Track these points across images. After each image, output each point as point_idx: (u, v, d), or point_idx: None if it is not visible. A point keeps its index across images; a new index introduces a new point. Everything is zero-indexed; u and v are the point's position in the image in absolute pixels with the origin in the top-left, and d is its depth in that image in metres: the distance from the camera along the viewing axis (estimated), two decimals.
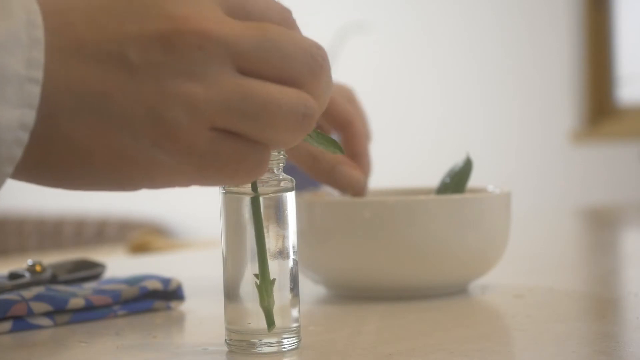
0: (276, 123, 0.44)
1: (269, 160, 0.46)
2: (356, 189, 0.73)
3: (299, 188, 0.56)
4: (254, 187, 0.52)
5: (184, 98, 0.43)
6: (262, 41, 0.44)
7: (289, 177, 0.53)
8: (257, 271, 0.52)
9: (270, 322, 0.52)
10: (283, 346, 0.53)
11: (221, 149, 0.44)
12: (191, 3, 0.44)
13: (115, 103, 0.43)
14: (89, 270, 0.72)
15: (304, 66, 0.45)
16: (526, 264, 0.91)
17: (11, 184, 0.49)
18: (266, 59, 0.44)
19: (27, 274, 0.67)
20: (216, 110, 0.43)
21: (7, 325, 0.61)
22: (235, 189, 0.52)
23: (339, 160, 0.72)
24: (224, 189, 0.53)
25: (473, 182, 0.76)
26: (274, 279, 0.52)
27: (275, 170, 0.53)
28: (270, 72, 0.44)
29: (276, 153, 0.52)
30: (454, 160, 0.76)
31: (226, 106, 0.43)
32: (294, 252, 0.53)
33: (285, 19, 0.46)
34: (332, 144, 0.53)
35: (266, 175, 0.52)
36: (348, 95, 0.80)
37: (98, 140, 0.43)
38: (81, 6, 0.43)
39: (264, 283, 0.52)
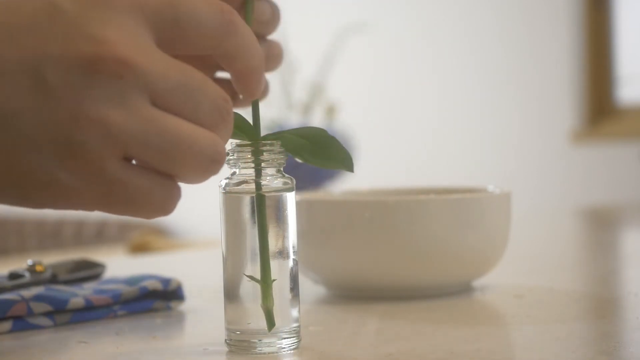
0: (185, 161, 0.44)
1: (178, 197, 0.46)
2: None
3: (299, 188, 0.56)
4: (259, 186, 0.52)
5: (99, 123, 0.42)
6: (180, 85, 0.44)
7: (289, 177, 0.53)
8: (256, 271, 0.52)
9: (271, 323, 0.52)
10: (283, 346, 0.53)
11: (130, 179, 0.44)
12: (118, 26, 0.43)
13: (26, 122, 0.42)
14: (89, 270, 0.72)
15: (210, 117, 0.45)
16: (526, 264, 0.91)
17: None
18: (181, 102, 0.44)
19: (27, 274, 0.67)
20: (130, 139, 0.43)
21: (7, 325, 0.61)
22: (236, 188, 0.52)
23: None
24: (225, 189, 0.53)
25: (473, 182, 0.76)
26: (274, 279, 0.52)
27: (275, 170, 0.53)
28: (181, 114, 0.44)
29: (277, 153, 0.52)
30: (454, 160, 0.76)
31: (140, 137, 0.43)
32: (294, 252, 0.53)
33: (226, 23, 0.46)
34: (342, 161, 0.53)
35: (267, 175, 0.52)
36: None
37: (1, 157, 0.43)
38: (1, 22, 0.43)
39: (266, 283, 0.52)
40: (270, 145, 0.52)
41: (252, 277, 0.52)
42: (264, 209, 0.52)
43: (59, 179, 0.43)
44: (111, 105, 0.42)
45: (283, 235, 0.53)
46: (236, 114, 0.53)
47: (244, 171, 0.53)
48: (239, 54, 0.46)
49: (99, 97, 0.42)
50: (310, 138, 0.53)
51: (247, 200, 0.52)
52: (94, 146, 0.42)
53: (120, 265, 0.92)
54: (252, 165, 0.52)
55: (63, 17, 0.43)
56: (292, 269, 0.53)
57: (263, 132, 0.53)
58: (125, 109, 0.43)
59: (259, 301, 0.52)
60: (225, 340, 0.54)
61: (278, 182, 0.53)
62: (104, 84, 0.42)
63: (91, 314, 0.64)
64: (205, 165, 0.45)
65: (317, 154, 0.53)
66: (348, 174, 2.40)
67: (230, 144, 0.53)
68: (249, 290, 0.52)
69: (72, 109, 0.42)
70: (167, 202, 0.45)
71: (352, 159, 0.53)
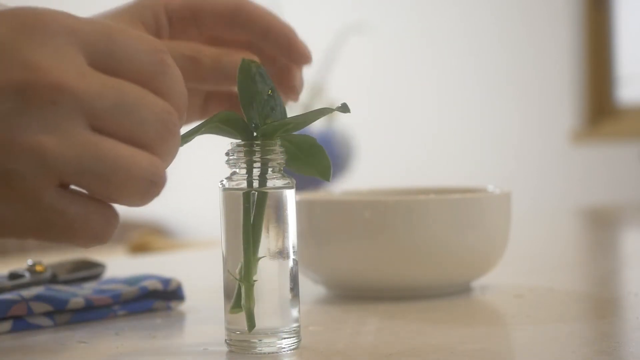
0: (124, 187, 0.43)
1: (116, 224, 0.45)
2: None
3: (299, 188, 0.56)
4: (250, 183, 0.52)
5: (34, 151, 0.41)
6: (117, 103, 0.43)
7: (289, 176, 0.53)
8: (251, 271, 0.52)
9: (252, 324, 0.52)
10: (283, 346, 0.53)
11: (67, 208, 0.43)
12: (51, 51, 0.42)
13: None
14: (89, 270, 0.72)
15: (155, 132, 0.44)
16: (526, 264, 0.91)
17: None
18: (119, 120, 0.43)
19: (27, 274, 0.67)
20: (66, 167, 0.42)
21: (7, 325, 0.61)
22: (236, 187, 0.52)
23: (221, 51, 0.65)
24: (225, 188, 0.53)
25: (473, 182, 0.76)
26: (256, 280, 0.52)
27: (275, 170, 0.53)
28: (123, 133, 0.43)
29: (277, 153, 0.52)
30: (454, 160, 0.76)
31: (76, 164, 0.42)
32: (294, 252, 0.53)
33: (159, 62, 0.45)
34: (321, 170, 0.54)
35: (267, 174, 0.52)
36: None
37: None
38: None
39: (248, 283, 0.52)
40: (271, 145, 0.52)
41: (234, 276, 0.52)
42: (250, 207, 0.52)
43: None
44: (45, 132, 0.41)
45: (283, 235, 0.53)
46: (232, 113, 0.53)
47: (244, 171, 0.53)
48: (166, 94, 0.45)
49: (32, 125, 0.41)
50: (297, 144, 0.54)
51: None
52: (29, 175, 0.41)
53: (120, 265, 0.92)
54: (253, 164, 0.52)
55: None
56: (292, 269, 0.53)
57: None
58: (60, 136, 0.42)
59: (260, 301, 0.52)
60: (225, 340, 0.54)
61: (278, 182, 0.53)
62: (37, 111, 0.41)
63: (91, 314, 0.64)
64: (145, 188, 0.43)
65: (298, 159, 0.54)
66: (348, 175, 2.40)
67: (230, 144, 0.53)
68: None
69: (5, 137, 0.41)
70: (104, 229, 0.44)
71: (331, 169, 0.54)
